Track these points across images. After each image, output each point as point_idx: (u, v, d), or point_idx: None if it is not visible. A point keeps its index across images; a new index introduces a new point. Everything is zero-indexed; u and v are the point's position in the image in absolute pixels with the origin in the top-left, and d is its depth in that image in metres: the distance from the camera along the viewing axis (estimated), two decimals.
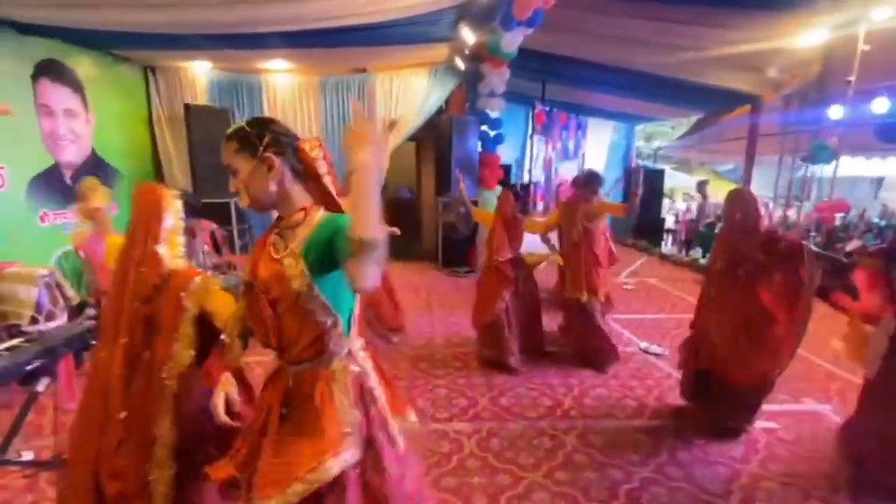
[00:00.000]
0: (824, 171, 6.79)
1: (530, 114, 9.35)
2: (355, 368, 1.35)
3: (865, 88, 5.57)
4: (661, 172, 11.18)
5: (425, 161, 8.98)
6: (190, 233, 1.86)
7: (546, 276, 5.82)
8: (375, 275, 1.06)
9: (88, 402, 1.70)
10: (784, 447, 2.81)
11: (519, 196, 4.06)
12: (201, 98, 7.00)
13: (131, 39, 5.29)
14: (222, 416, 1.39)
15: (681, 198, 14.77)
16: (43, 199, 5.01)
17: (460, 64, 7.08)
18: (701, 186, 3.46)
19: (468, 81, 7.57)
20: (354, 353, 1.38)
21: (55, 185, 5.18)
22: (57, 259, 4.96)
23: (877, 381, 2.29)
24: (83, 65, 5.54)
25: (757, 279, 2.77)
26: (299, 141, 1.33)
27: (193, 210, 1.88)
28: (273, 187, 1.28)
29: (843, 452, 2.49)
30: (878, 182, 14.14)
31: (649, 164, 13.17)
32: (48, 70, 5.05)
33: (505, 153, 8.18)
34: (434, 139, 8.09)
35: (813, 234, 7.16)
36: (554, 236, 4.31)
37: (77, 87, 5.46)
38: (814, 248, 2.74)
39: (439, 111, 7.84)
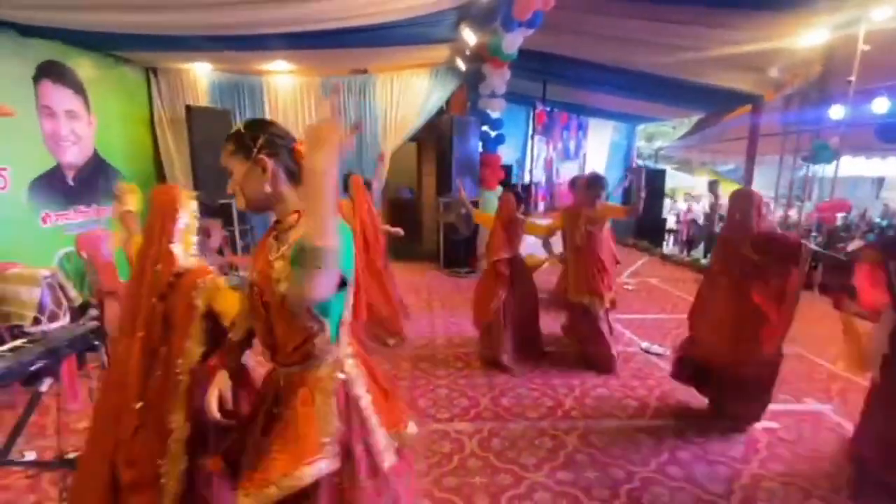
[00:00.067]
0: (825, 170, 6.78)
1: (531, 114, 9.35)
2: (341, 376, 1.32)
3: (866, 88, 5.58)
4: (662, 173, 11.19)
5: (426, 161, 8.99)
6: (205, 232, 1.89)
7: (546, 277, 5.83)
8: (326, 284, 1.03)
9: (106, 393, 1.75)
10: (785, 447, 2.82)
11: (521, 197, 4.04)
12: (203, 99, 7.02)
13: (133, 41, 5.30)
14: (215, 413, 1.42)
15: (682, 198, 14.75)
16: (45, 200, 5.02)
17: (461, 65, 7.09)
18: (713, 186, 3.45)
19: (469, 82, 7.58)
20: (342, 360, 1.34)
21: (57, 186, 5.20)
22: (59, 260, 4.98)
23: (878, 380, 2.29)
24: (85, 66, 5.56)
25: (750, 280, 2.79)
26: (295, 143, 1.33)
27: (209, 210, 1.92)
28: (267, 189, 1.28)
29: (849, 453, 2.50)
30: (879, 182, 14.13)
31: (650, 164, 13.16)
32: (50, 71, 5.07)
33: (506, 153, 8.19)
34: (435, 140, 8.10)
35: (814, 234, 7.15)
36: (558, 239, 4.31)
37: (79, 88, 5.48)
38: (813, 246, 2.75)
39: (440, 112, 7.85)
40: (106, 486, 1.63)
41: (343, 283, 1.17)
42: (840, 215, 8.12)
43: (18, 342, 2.22)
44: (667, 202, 12.39)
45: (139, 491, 1.61)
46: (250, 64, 6.96)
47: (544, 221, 4.95)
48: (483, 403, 3.32)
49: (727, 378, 2.92)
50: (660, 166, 12.68)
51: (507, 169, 8.22)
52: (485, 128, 7.50)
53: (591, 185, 3.81)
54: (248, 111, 7.27)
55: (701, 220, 10.73)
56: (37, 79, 4.91)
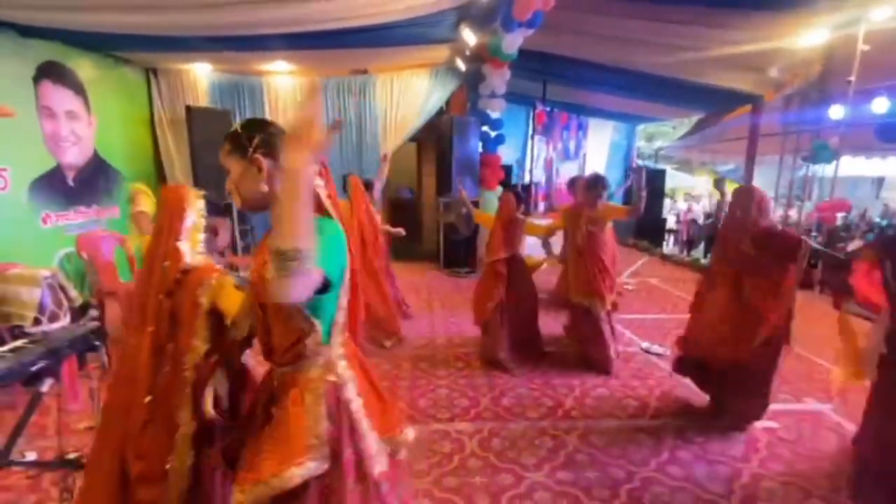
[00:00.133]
0: (825, 170, 6.79)
1: (531, 114, 9.35)
2: (331, 378, 1.31)
3: (865, 88, 5.58)
4: (662, 172, 11.19)
5: (426, 162, 8.99)
6: (213, 230, 1.91)
7: (546, 277, 5.84)
8: (299, 286, 1.00)
9: (117, 388, 1.77)
10: (785, 446, 2.82)
11: (521, 197, 4.04)
12: (203, 100, 7.03)
13: (132, 42, 5.31)
14: (210, 411, 1.44)
15: (682, 198, 14.76)
16: (45, 200, 5.03)
17: (461, 65, 7.09)
18: (720, 184, 3.46)
19: (469, 82, 7.59)
20: (334, 361, 1.33)
21: (57, 186, 5.20)
22: (59, 260, 4.99)
23: (875, 381, 2.30)
24: (85, 67, 5.57)
25: (749, 275, 2.80)
26: None
27: (217, 209, 1.95)
28: (263, 188, 1.28)
29: (852, 453, 2.51)
30: (879, 182, 14.13)
31: (650, 164, 13.17)
32: (50, 72, 5.08)
33: (506, 154, 8.19)
34: (435, 140, 8.10)
35: (814, 233, 7.16)
36: (557, 239, 4.30)
37: (79, 89, 5.49)
38: (813, 243, 2.77)
39: (440, 112, 7.86)
40: (115, 480, 1.65)
41: (327, 284, 1.14)
42: (840, 215, 8.12)
43: (19, 342, 2.22)
44: (667, 202, 12.39)
45: (147, 484, 1.63)
46: (250, 64, 6.96)
47: (544, 222, 4.96)
48: (483, 403, 3.33)
49: (727, 373, 2.93)
50: (660, 166, 12.68)
51: (507, 169, 8.22)
52: (485, 128, 7.50)
53: (592, 186, 3.77)
54: (248, 112, 7.28)
55: (701, 220, 10.74)
56: (37, 79, 4.92)
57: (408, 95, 7.48)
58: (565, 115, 10.29)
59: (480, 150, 7.56)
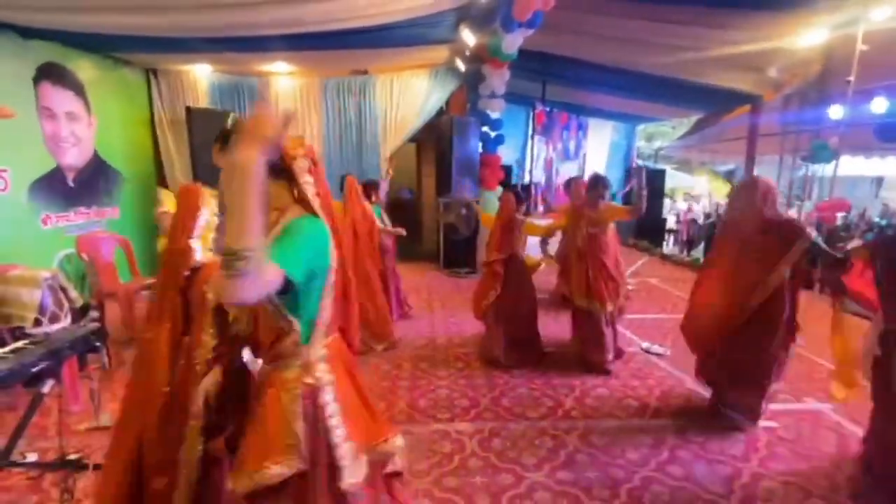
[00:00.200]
0: (825, 170, 6.80)
1: (531, 114, 9.36)
2: (308, 381, 1.29)
3: (864, 88, 5.58)
4: (662, 172, 11.21)
5: (426, 162, 9.00)
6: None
7: (546, 277, 5.84)
8: (249, 287, 0.97)
9: (135, 380, 1.83)
10: (785, 446, 2.82)
11: (521, 198, 4.03)
12: (203, 101, 7.02)
13: (132, 43, 5.31)
14: (199, 406, 1.50)
15: (682, 198, 14.77)
16: (45, 201, 5.03)
17: (461, 65, 7.10)
18: (730, 175, 3.48)
19: (469, 83, 7.60)
20: (313, 363, 1.30)
21: (57, 187, 5.20)
22: (60, 261, 4.99)
23: (872, 382, 2.31)
24: (85, 68, 5.57)
25: (749, 261, 2.80)
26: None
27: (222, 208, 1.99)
28: None
29: (859, 454, 2.52)
30: (879, 181, 14.14)
31: (650, 164, 13.18)
32: (50, 73, 5.08)
33: (506, 154, 8.20)
34: (435, 140, 8.11)
35: (814, 233, 7.15)
36: (556, 239, 4.30)
37: (79, 90, 5.49)
38: (815, 235, 2.78)
39: (440, 112, 7.86)
40: (132, 470, 1.71)
41: (290, 285, 1.10)
42: (839, 215, 8.13)
43: (20, 344, 2.22)
44: (667, 202, 12.40)
45: (163, 473, 1.68)
46: (250, 65, 6.96)
47: (543, 222, 4.96)
48: (483, 403, 3.33)
49: (725, 359, 2.92)
50: (659, 166, 12.69)
51: (507, 169, 8.23)
52: (485, 128, 7.51)
53: (593, 186, 3.75)
54: (248, 112, 7.27)
55: (701, 220, 10.75)
56: (37, 80, 4.92)
57: (408, 96, 7.48)
58: (565, 116, 10.30)
59: (480, 150, 7.57)
